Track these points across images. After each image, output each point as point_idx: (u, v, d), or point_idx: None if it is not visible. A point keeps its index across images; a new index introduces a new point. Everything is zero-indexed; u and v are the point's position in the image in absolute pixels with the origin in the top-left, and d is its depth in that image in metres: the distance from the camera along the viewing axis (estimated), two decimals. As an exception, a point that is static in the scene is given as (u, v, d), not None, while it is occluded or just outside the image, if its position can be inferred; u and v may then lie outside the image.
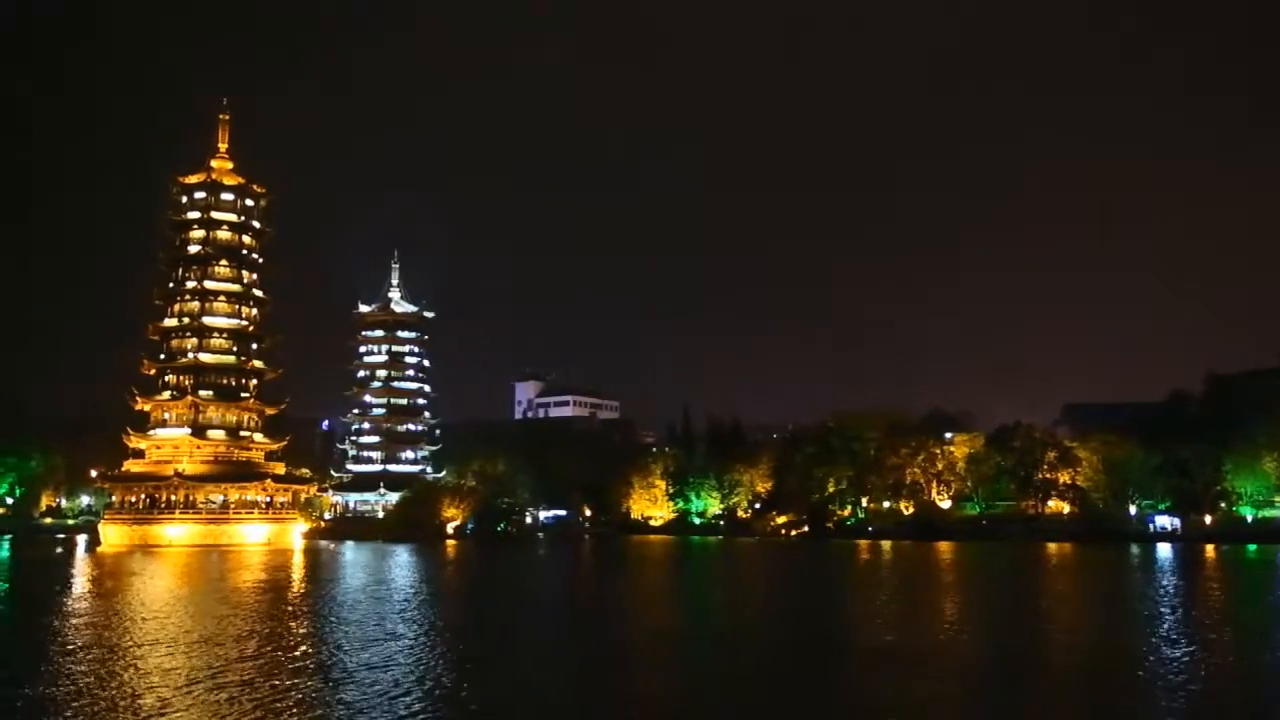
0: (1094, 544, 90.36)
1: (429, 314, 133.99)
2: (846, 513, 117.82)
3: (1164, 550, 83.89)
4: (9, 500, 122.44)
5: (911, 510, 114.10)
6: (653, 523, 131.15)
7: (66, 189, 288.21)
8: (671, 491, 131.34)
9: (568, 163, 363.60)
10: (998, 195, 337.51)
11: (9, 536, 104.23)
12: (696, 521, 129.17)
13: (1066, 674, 25.46)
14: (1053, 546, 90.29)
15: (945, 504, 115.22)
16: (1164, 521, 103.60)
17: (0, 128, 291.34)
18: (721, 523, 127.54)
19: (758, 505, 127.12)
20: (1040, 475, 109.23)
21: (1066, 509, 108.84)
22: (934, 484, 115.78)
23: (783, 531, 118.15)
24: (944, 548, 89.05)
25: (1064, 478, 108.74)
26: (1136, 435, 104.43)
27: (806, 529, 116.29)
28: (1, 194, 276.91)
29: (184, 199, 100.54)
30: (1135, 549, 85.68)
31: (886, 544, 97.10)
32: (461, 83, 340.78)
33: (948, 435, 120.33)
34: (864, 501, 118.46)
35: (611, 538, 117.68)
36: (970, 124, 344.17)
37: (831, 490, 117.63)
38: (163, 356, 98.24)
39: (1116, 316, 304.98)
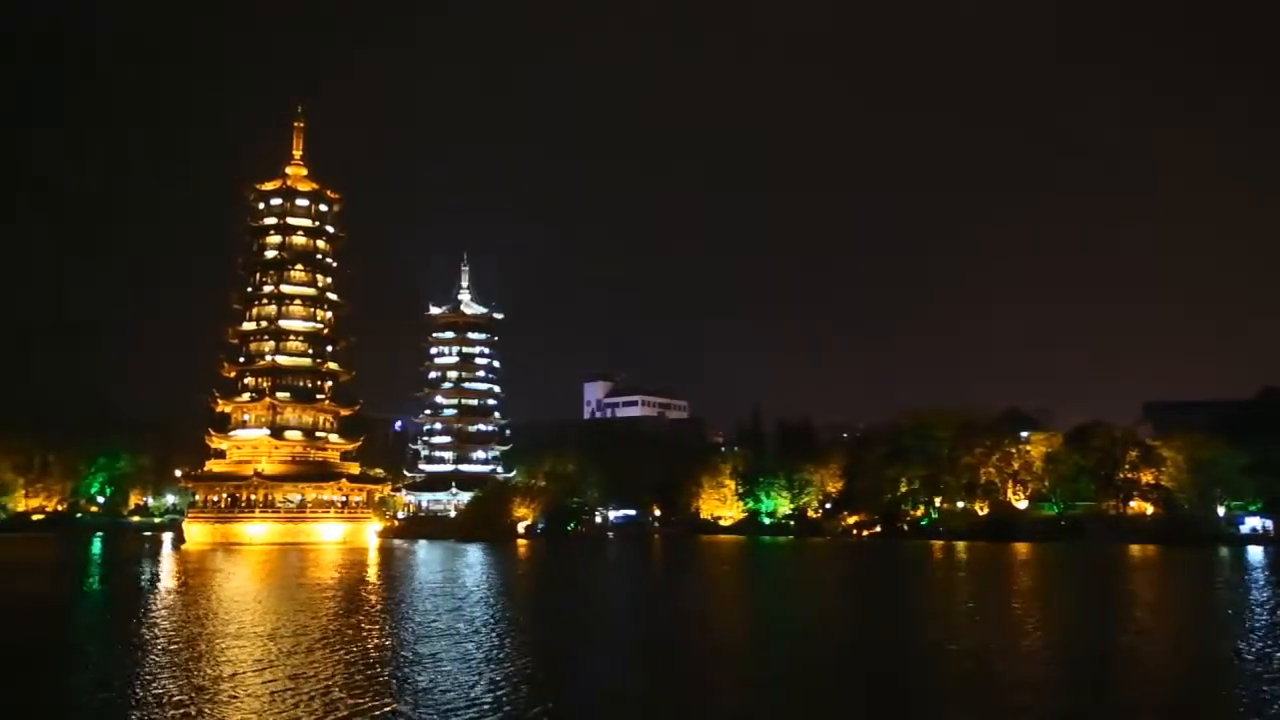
0: (1180, 546, 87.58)
1: (499, 315, 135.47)
2: (919, 513, 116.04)
3: (1255, 553, 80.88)
4: (100, 499, 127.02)
5: (986, 510, 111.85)
6: (722, 522, 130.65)
7: (146, 194, 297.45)
8: (741, 491, 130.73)
9: (633, 162, 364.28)
10: (1073, 194, 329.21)
11: (100, 534, 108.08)
12: (766, 521, 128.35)
13: (1161, 684, 24.59)
14: (1136, 548, 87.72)
15: (1022, 504, 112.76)
16: (1255, 523, 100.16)
17: (79, 134, 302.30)
18: (792, 523, 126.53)
19: (828, 505, 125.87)
20: (1121, 475, 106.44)
21: (1150, 510, 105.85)
22: (1010, 484, 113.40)
23: (854, 532, 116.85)
24: (1021, 549, 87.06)
25: (1147, 478, 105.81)
26: (1223, 434, 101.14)
27: (878, 529, 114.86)
28: (82, 199, 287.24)
29: (260, 205, 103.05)
30: (1224, 551, 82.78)
31: (961, 545, 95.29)
32: (525, 82, 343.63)
33: (1024, 434, 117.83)
34: (937, 501, 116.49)
35: (681, 537, 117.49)
36: (1048, 122, 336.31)
37: (904, 490, 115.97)
38: (242, 359, 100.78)
39: (1199, 315, 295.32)
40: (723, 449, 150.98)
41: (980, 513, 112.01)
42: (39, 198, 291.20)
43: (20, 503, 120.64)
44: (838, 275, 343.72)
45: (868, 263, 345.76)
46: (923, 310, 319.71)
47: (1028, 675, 24.26)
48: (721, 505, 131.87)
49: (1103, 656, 27.63)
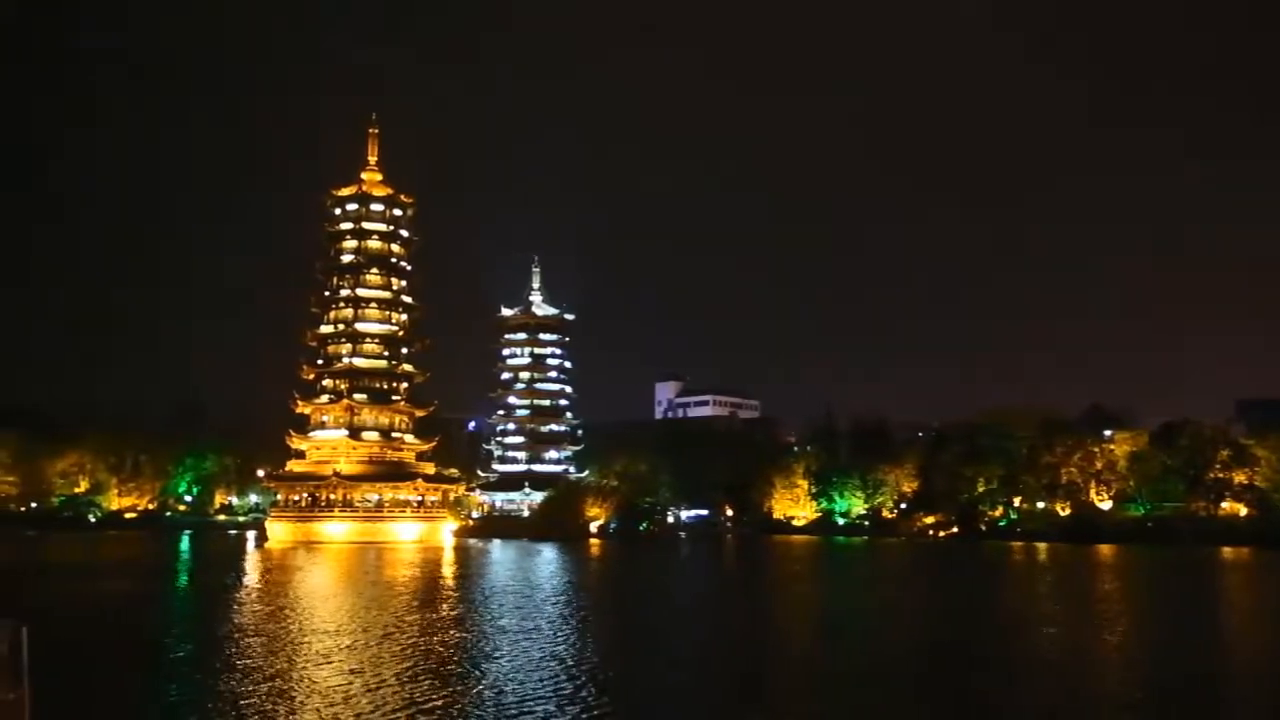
0: (1276, 549, 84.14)
1: (569, 316, 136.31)
2: (998, 513, 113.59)
3: (1357, 556, 77.27)
4: (188, 498, 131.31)
5: (1068, 511, 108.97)
6: (795, 523, 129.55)
7: (234, 199, 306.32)
8: (814, 491, 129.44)
9: (696, 163, 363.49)
10: (1156, 193, 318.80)
11: (188, 532, 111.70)
12: (840, 522, 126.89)
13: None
14: (1228, 551, 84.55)
15: (1105, 505, 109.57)
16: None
17: (159, 142, 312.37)
18: (866, 523, 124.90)
19: (904, 505, 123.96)
20: (1212, 475, 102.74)
21: (1243, 511, 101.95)
22: (1093, 484, 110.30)
23: (930, 532, 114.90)
24: (1105, 551, 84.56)
25: (1239, 478, 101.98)
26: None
27: (955, 530, 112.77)
28: (168, 203, 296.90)
29: (337, 211, 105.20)
30: (1323, 554, 79.29)
31: (1042, 546, 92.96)
32: (591, 86, 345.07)
33: (1107, 433, 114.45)
34: (1016, 502, 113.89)
35: (754, 537, 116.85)
36: (1136, 122, 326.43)
37: (981, 490, 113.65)
38: (320, 362, 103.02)
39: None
40: (795, 449, 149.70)
41: (1062, 513, 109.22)
42: (130, 201, 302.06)
43: (114, 501, 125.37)
44: (908, 274, 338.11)
45: (939, 262, 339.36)
46: (997, 308, 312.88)
47: (1126, 692, 23.46)
48: (794, 505, 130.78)
49: (1205, 673, 26.58)
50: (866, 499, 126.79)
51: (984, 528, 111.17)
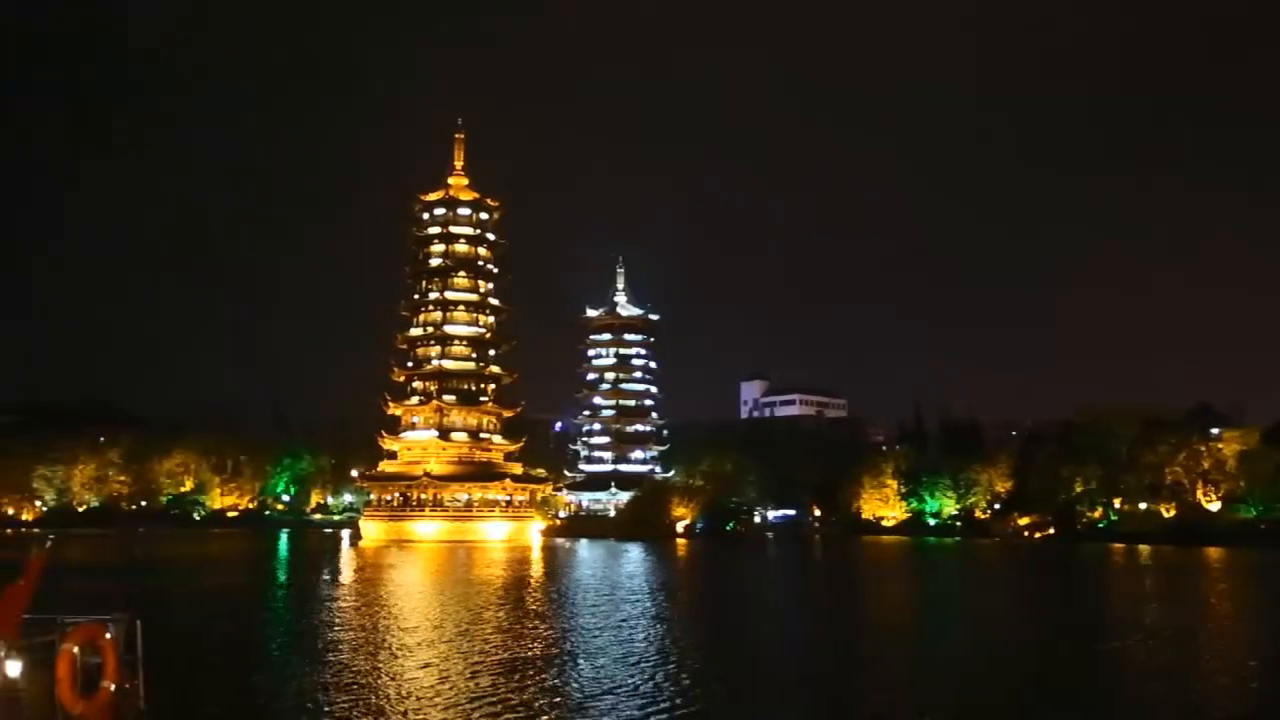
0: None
1: (654, 317, 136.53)
2: (1097, 514, 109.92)
3: None
4: (285, 497, 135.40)
5: (1173, 512, 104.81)
6: (884, 523, 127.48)
7: (327, 203, 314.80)
8: (904, 491, 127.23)
9: (758, 161, 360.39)
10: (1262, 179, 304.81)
11: (286, 530, 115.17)
12: (931, 522, 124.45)
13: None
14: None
15: (1213, 506, 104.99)
16: None
17: (249, 149, 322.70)
18: (958, 523, 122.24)
19: (997, 506, 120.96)
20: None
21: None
22: (1199, 484, 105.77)
23: (1026, 533, 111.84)
24: (1213, 554, 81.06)
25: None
26: None
27: (1052, 531, 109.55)
28: (258, 209, 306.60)
29: (425, 216, 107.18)
30: None
31: (1145, 548, 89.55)
32: (676, 85, 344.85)
33: (1214, 431, 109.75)
34: (1117, 503, 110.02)
35: (842, 538, 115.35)
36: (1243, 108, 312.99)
37: (1079, 490, 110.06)
38: (410, 364, 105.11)
39: None
40: (883, 448, 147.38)
41: (1166, 515, 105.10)
42: (227, 206, 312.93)
43: (217, 500, 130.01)
44: (997, 271, 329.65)
45: (1028, 257, 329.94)
46: (1092, 303, 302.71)
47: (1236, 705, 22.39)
48: (883, 505, 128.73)
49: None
50: (958, 499, 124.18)
51: (1082, 529, 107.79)
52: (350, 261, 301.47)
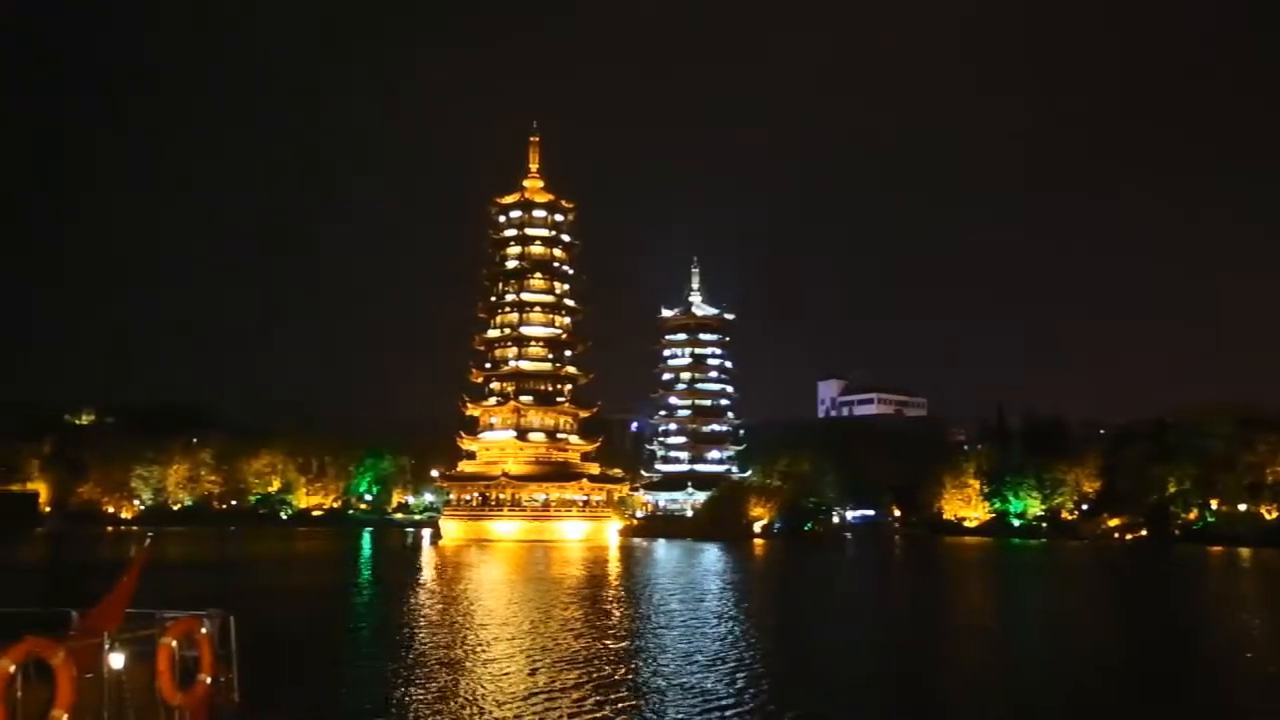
0: None
1: (729, 316, 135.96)
2: (1192, 515, 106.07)
3: None
4: (368, 497, 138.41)
5: (1275, 514, 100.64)
6: (967, 524, 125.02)
7: (402, 206, 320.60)
8: (987, 491, 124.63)
9: (856, 160, 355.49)
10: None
11: (369, 529, 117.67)
12: (1015, 523, 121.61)
13: None
14: None
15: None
16: None
17: (331, 156, 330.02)
18: (1044, 525, 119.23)
19: (1084, 506, 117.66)
20: None
21: None
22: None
23: (1116, 535, 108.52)
24: (1320, 557, 77.62)
25: None
26: None
27: (1144, 533, 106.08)
28: (342, 212, 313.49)
29: (501, 218, 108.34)
30: None
31: (1245, 551, 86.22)
32: (758, 81, 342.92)
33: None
34: (1213, 503, 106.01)
35: (923, 539, 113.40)
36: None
37: (1173, 490, 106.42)
38: (487, 365, 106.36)
39: None
40: (965, 447, 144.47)
41: (1268, 517, 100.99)
42: (309, 211, 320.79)
43: (302, 500, 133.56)
44: (1079, 266, 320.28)
45: (1111, 254, 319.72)
46: (1179, 298, 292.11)
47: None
48: (965, 506, 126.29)
49: None
50: (1044, 499, 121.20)
51: (1177, 531, 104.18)
52: (432, 264, 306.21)
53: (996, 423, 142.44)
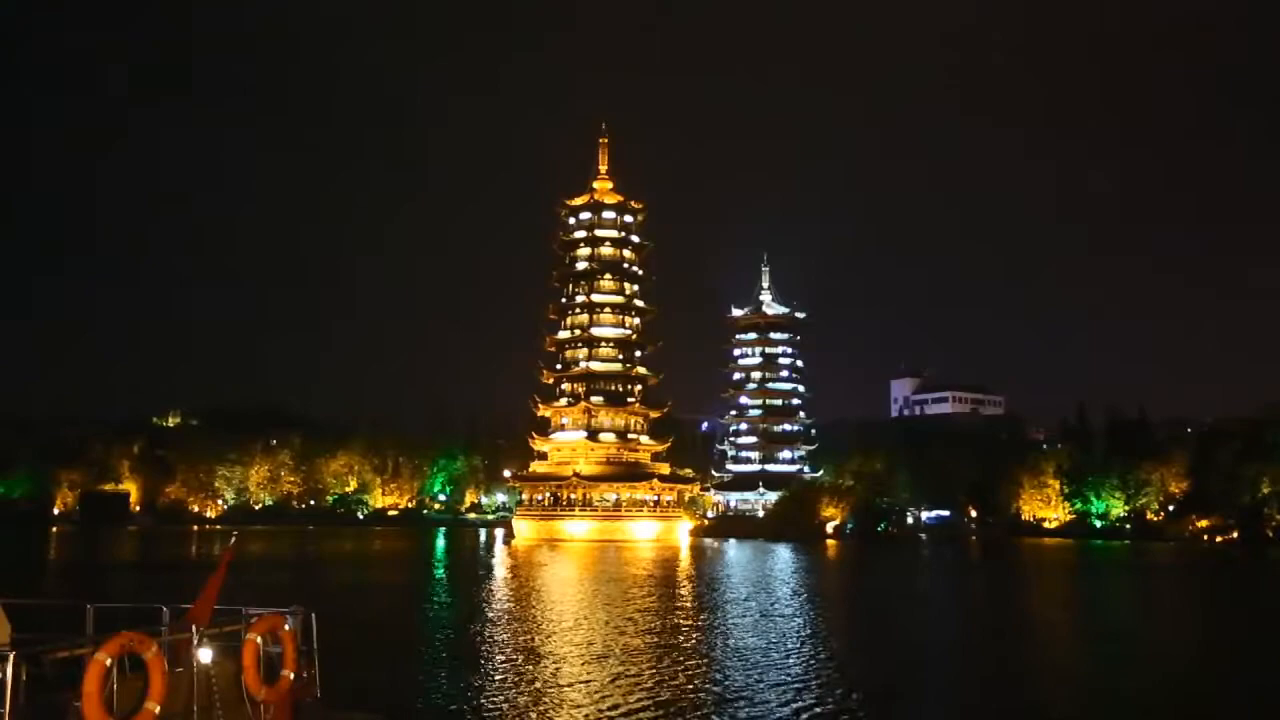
0: None
1: (800, 315, 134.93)
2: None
3: None
4: (441, 497, 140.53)
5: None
6: (1046, 525, 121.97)
7: (475, 208, 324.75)
8: (1067, 491, 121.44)
9: (924, 155, 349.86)
10: None
11: (443, 529, 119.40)
12: (1097, 524, 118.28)
13: None
14: None
15: None
16: None
17: (399, 165, 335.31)
18: (1127, 526, 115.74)
19: (1170, 507, 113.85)
20: None
21: None
22: None
23: (1205, 537, 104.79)
24: None
25: None
26: None
27: (1235, 535, 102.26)
28: (409, 229, 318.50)
29: (570, 220, 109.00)
30: None
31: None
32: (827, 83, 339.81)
33: None
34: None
35: (1000, 540, 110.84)
36: None
37: (1267, 491, 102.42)
38: (559, 366, 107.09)
39: None
40: (1044, 446, 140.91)
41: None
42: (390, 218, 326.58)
43: (378, 499, 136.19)
44: (1162, 263, 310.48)
45: (1191, 250, 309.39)
46: (1267, 292, 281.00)
47: None
48: (1044, 506, 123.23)
49: None
50: (1127, 500, 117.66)
51: (1270, 533, 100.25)
52: (504, 265, 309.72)
53: (1077, 421, 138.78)
